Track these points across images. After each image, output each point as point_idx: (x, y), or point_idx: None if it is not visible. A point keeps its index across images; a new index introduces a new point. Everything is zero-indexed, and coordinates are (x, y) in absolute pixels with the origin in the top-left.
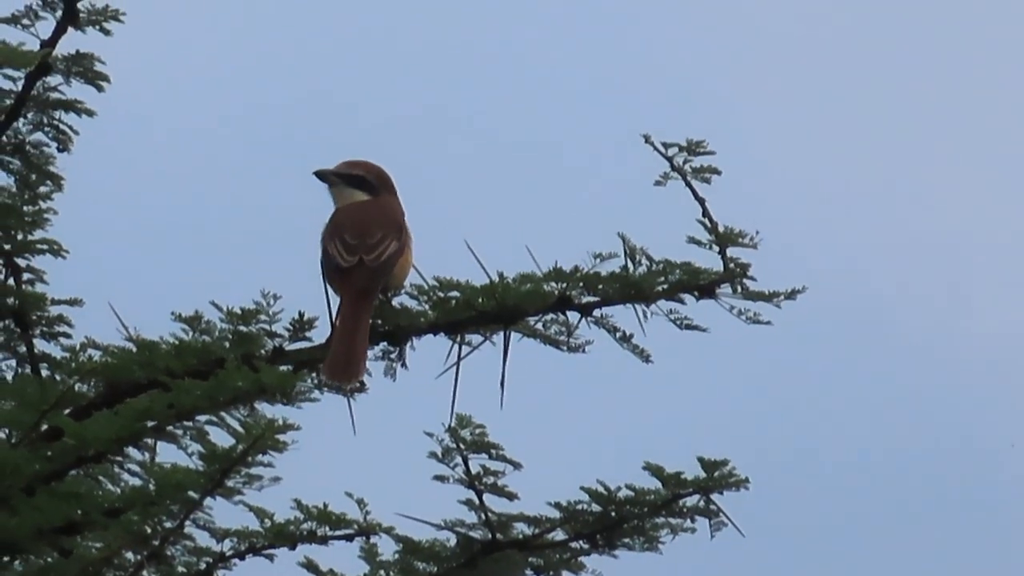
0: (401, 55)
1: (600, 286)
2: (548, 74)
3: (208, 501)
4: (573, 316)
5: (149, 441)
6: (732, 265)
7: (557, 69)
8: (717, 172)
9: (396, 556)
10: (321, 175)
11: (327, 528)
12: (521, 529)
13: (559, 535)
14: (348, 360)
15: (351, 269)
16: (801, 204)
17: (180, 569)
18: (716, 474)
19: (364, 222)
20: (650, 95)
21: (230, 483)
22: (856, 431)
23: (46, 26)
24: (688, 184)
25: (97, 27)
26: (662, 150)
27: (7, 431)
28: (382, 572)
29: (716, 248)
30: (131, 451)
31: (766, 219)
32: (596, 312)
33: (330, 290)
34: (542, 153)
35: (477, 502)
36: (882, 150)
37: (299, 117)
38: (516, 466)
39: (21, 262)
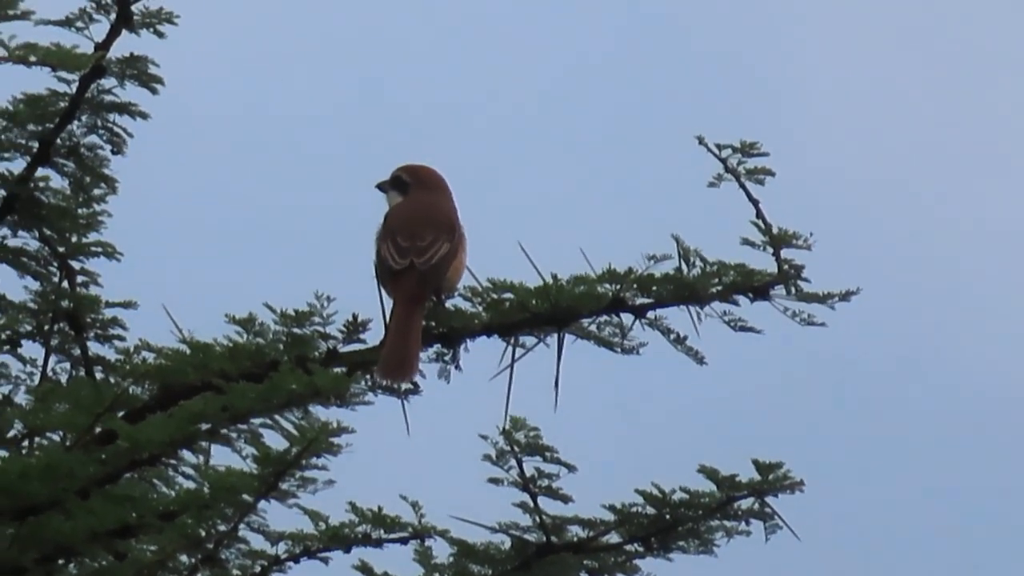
0: (452, 50)
1: (654, 287)
2: (602, 71)
3: (262, 504)
4: (627, 318)
5: (203, 444)
6: (786, 266)
7: (608, 64)
8: (771, 173)
9: (450, 559)
10: (379, 187)
11: (382, 531)
12: (575, 532)
13: (613, 538)
14: (401, 360)
15: (402, 272)
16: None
17: (234, 572)
18: (771, 476)
19: (416, 223)
20: (710, 96)
21: (284, 486)
22: (915, 433)
23: (100, 29)
24: (742, 185)
25: (151, 30)
26: (716, 151)
27: (61, 434)
28: (436, 575)
29: (770, 249)
30: (185, 454)
31: (822, 216)
32: (650, 314)
33: (383, 292)
34: (595, 153)
35: (531, 505)
36: (948, 140)
37: (354, 116)
38: (570, 468)
39: (75, 265)
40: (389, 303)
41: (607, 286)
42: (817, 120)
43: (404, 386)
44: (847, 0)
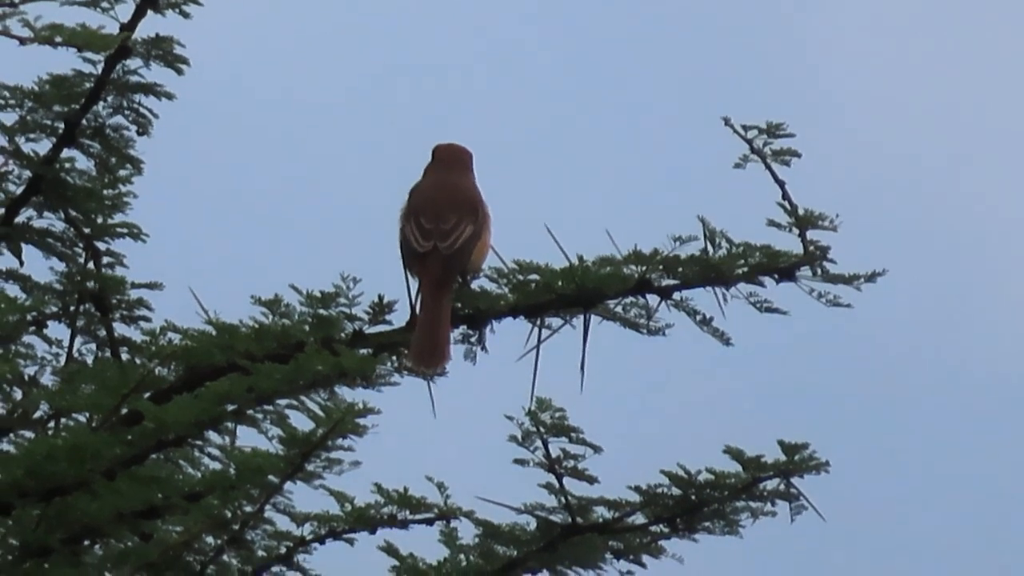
0: (472, 32)
1: (680, 269)
2: (625, 53)
3: (288, 485)
4: (653, 299)
5: (229, 425)
6: (812, 248)
7: (631, 45)
8: (797, 155)
9: (476, 540)
10: None
11: (407, 512)
12: (601, 513)
13: (639, 519)
14: (434, 346)
15: (426, 255)
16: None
17: (260, 553)
18: (796, 457)
19: (440, 204)
20: (735, 77)
21: (310, 467)
22: (942, 414)
23: (126, 9)
24: (768, 167)
25: (176, 10)
26: (742, 132)
27: (87, 415)
28: (462, 556)
29: (796, 231)
30: (211, 435)
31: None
32: (676, 295)
33: (408, 273)
34: (621, 135)
35: (557, 486)
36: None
37: (376, 94)
38: (596, 449)
39: (101, 246)
40: (414, 283)
41: (633, 267)
42: (845, 98)
43: (437, 371)
44: None
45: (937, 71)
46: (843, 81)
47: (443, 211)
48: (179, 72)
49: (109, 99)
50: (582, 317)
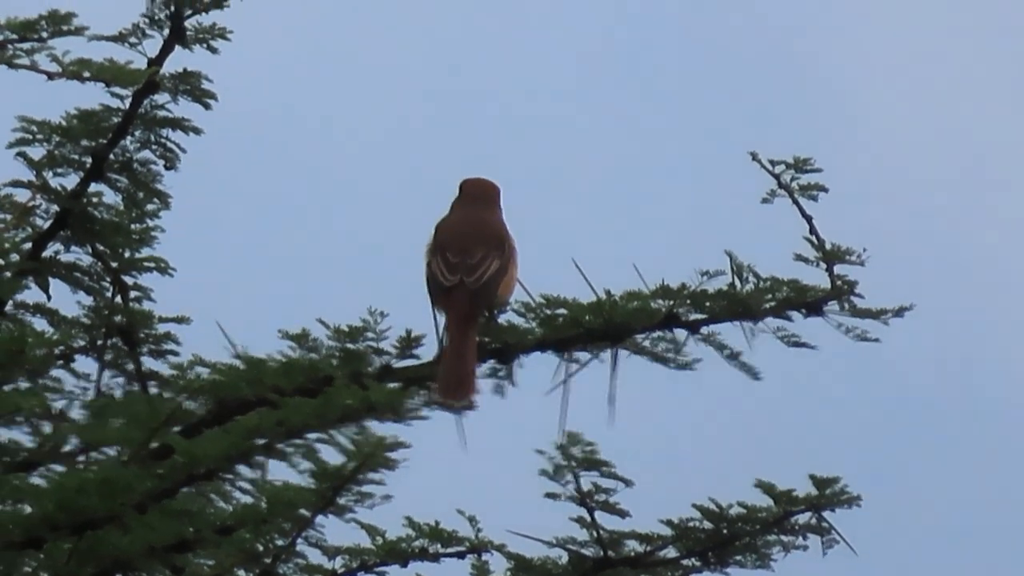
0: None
1: (707, 303)
2: (653, 83)
3: (320, 519)
4: (680, 333)
5: (259, 459)
6: (839, 282)
7: (659, 76)
8: (824, 189)
9: (507, 574)
10: None
11: (439, 545)
12: (632, 546)
13: (671, 552)
14: (460, 380)
15: (452, 289)
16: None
17: None
18: (828, 491)
19: (466, 238)
20: (764, 108)
21: (341, 501)
22: (973, 449)
23: (153, 44)
24: (795, 201)
25: (204, 45)
26: (769, 167)
27: (118, 449)
28: None
29: (823, 265)
30: (242, 469)
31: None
32: (704, 329)
33: (434, 307)
34: (648, 168)
35: (588, 519)
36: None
37: (404, 127)
38: (627, 483)
39: (128, 280)
40: (441, 317)
41: (660, 302)
42: (876, 125)
43: (464, 405)
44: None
45: (965, 98)
46: (871, 113)
47: (469, 245)
48: (206, 107)
49: (137, 134)
50: (610, 351)
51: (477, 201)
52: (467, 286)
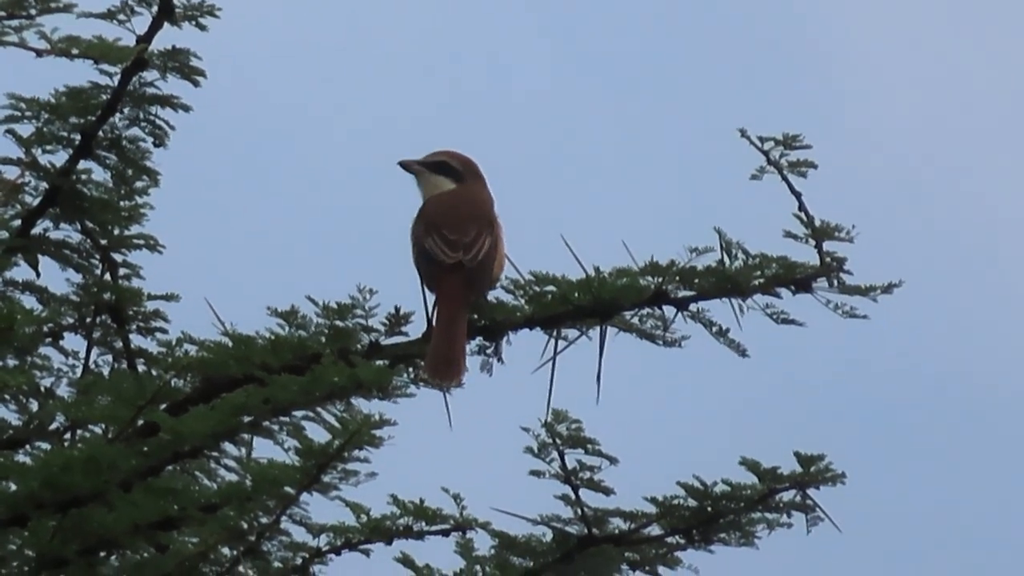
0: (491, 40)
1: (696, 280)
2: (643, 62)
3: (304, 496)
4: (669, 310)
5: (245, 436)
6: (828, 259)
7: (649, 54)
8: (813, 166)
9: (492, 551)
10: (405, 165)
11: (423, 523)
12: (617, 524)
13: (655, 530)
14: (449, 359)
15: (452, 267)
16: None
17: (276, 564)
18: (812, 469)
19: (459, 216)
20: (756, 85)
21: (326, 479)
22: (960, 427)
23: (142, 22)
24: (785, 179)
25: (193, 22)
26: (758, 144)
27: (104, 426)
28: (478, 567)
29: (812, 242)
30: (227, 447)
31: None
32: (692, 306)
33: (426, 285)
34: (636, 144)
35: (573, 497)
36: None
37: (387, 109)
38: (612, 461)
39: (117, 257)
40: (430, 295)
41: (649, 279)
42: (860, 106)
43: (453, 384)
44: None
45: (956, 77)
46: (860, 90)
47: (464, 223)
48: (195, 84)
49: (125, 111)
50: (598, 329)
51: (474, 178)
52: (464, 264)
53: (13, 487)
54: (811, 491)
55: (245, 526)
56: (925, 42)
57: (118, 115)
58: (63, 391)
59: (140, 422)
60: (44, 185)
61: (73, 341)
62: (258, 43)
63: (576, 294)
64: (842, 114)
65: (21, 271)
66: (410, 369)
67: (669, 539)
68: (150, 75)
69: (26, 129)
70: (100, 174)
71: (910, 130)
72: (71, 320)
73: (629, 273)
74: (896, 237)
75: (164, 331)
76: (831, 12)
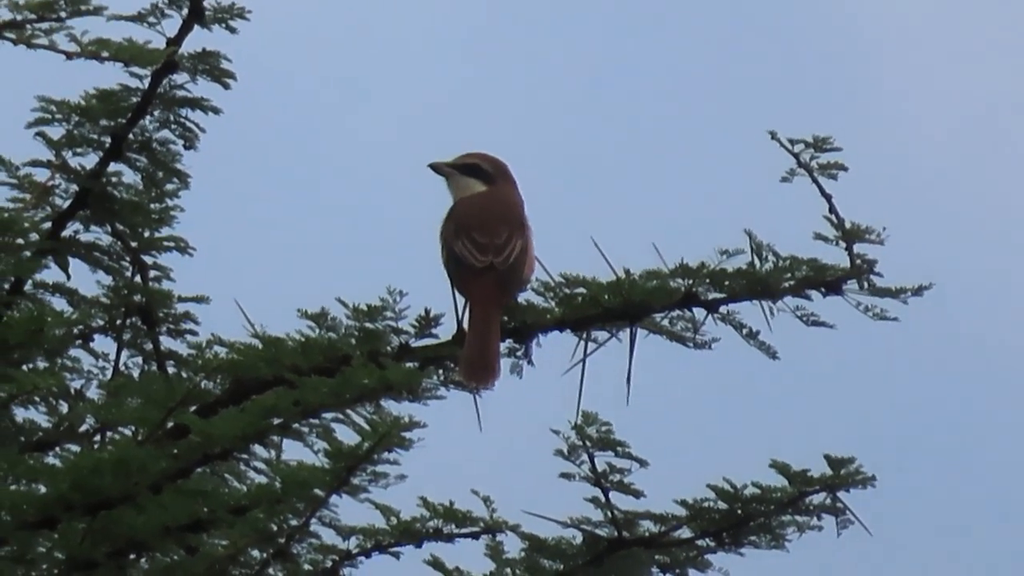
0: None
1: (726, 282)
2: (674, 64)
3: (334, 499)
4: (699, 312)
5: (275, 438)
6: (859, 261)
7: (680, 57)
8: (844, 168)
9: (522, 554)
10: (435, 167)
11: (453, 526)
12: (647, 527)
13: (685, 533)
14: (485, 361)
15: (483, 270)
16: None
17: (306, 567)
18: (842, 472)
19: (489, 219)
20: (785, 89)
21: (356, 481)
22: (990, 429)
23: (172, 24)
24: (815, 180)
25: (223, 25)
26: (788, 146)
27: (133, 429)
28: (508, 570)
29: (843, 244)
30: (257, 448)
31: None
32: (722, 308)
33: (457, 288)
34: (668, 147)
35: (603, 500)
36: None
37: (416, 111)
38: (642, 463)
39: (147, 259)
40: (461, 297)
41: (679, 281)
42: (900, 104)
43: (488, 387)
44: None
45: (995, 80)
46: (898, 90)
47: (494, 225)
48: (225, 87)
49: (156, 113)
50: (628, 330)
51: (506, 181)
52: (496, 267)
53: (43, 489)
54: (841, 494)
55: (275, 528)
56: (962, 44)
57: (148, 117)
58: (93, 393)
59: (170, 424)
60: (74, 187)
61: (103, 343)
62: (291, 44)
63: (606, 296)
64: (876, 115)
65: (51, 273)
66: (440, 371)
67: (699, 542)
68: (180, 77)
69: (56, 132)
70: (130, 176)
71: (946, 133)
72: (101, 322)
73: (659, 275)
74: (928, 239)
75: (194, 333)
76: (865, 12)
